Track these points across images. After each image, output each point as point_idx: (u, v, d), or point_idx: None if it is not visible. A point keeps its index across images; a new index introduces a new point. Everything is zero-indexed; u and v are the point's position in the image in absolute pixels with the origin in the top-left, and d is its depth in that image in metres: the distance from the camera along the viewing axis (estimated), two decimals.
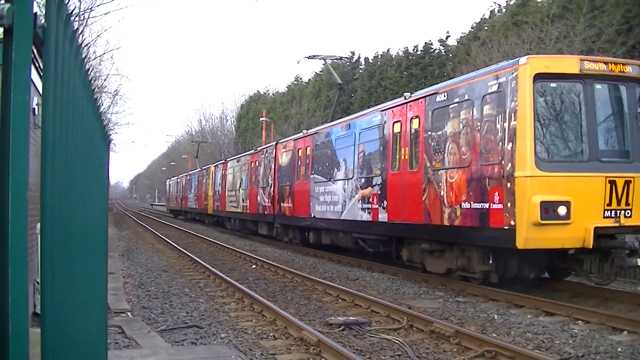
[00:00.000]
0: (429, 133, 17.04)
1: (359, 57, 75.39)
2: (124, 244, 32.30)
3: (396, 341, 10.62)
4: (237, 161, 43.36)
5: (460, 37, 61.26)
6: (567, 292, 15.70)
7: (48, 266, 2.85)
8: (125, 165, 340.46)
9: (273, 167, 32.74)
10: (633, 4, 32.33)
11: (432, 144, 16.86)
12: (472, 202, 14.88)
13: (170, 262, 23.58)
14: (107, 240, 8.01)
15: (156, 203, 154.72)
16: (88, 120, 4.72)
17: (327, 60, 33.15)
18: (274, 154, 32.86)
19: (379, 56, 71.96)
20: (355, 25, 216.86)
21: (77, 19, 23.45)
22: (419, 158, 17.58)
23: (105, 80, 36.02)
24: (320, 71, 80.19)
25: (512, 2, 50.74)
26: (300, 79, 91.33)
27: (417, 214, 17.44)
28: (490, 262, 15.37)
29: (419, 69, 64.03)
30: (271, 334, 11.30)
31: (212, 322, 12.18)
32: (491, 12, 57.27)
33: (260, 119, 68.68)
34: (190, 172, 70.98)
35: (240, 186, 40.62)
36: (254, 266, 22.68)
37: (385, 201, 19.52)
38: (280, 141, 33.43)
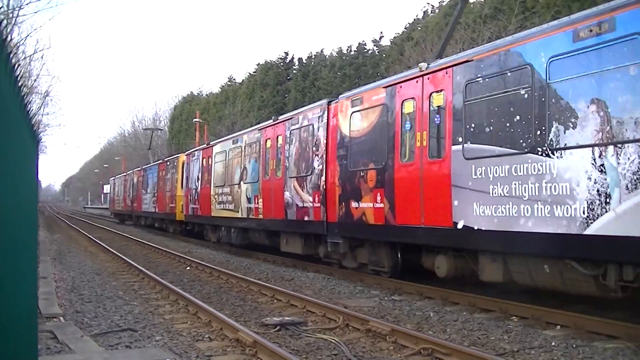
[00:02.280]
0: None
1: (292, 58, 75.47)
2: (56, 247, 31.64)
3: (332, 340, 10.60)
4: (234, 142, 28.86)
5: (394, 37, 61.90)
6: None
7: None
8: (57, 167, 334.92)
9: (325, 142, 19.48)
10: (563, 6, 32.96)
11: None
12: None
13: (103, 265, 23.19)
14: (37, 243, 7.82)
15: (89, 206, 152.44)
16: (14, 119, 4.58)
17: None
18: (324, 120, 19.60)
19: (313, 57, 72.23)
20: (289, 26, 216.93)
21: (4, 16, 22.92)
22: None
23: (35, 80, 35.29)
24: (254, 72, 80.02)
25: (445, 3, 51.34)
26: (234, 79, 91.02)
27: None
28: None
29: (352, 69, 64.50)
30: (207, 336, 11.17)
31: (146, 325, 12.00)
32: (424, 12, 57.97)
33: (194, 120, 68.06)
34: (145, 167, 55.07)
35: (242, 179, 26.72)
36: (188, 268, 22.45)
37: None
38: (345, 95, 19.18)
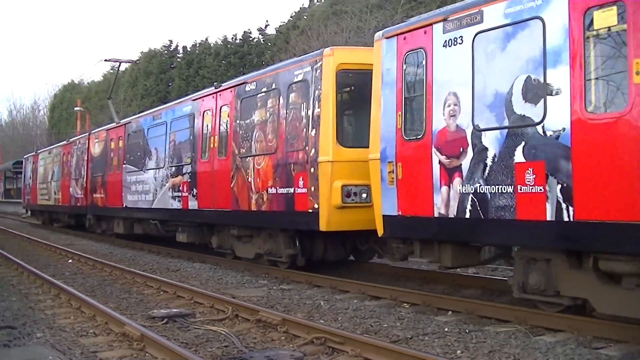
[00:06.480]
0: None
1: (177, 46, 74.48)
2: None
3: (222, 332, 10.40)
4: None
5: (280, 26, 61.93)
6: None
7: None
8: None
9: None
10: None
11: None
12: None
13: None
14: None
15: None
16: None
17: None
18: None
19: (197, 45, 71.46)
20: (173, 14, 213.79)
21: None
22: None
23: None
24: (137, 60, 78.71)
25: None
26: (117, 67, 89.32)
27: None
28: None
29: (237, 57, 64.27)
30: (91, 331, 10.78)
31: (26, 322, 11.46)
32: (310, 1, 58.20)
33: (75, 108, 66.27)
34: (141, 115, 28.02)
35: None
36: (70, 261, 21.78)
37: None
38: None
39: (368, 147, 13.28)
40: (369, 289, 13.67)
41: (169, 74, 72.54)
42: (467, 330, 10.11)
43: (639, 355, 8.45)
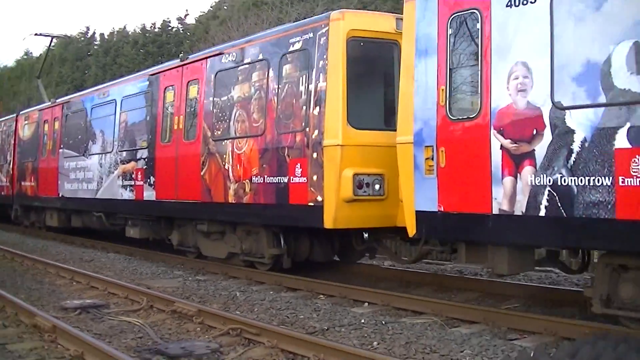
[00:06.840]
0: None
1: (94, 33, 73.29)
2: None
3: (137, 323, 10.24)
4: None
5: (199, 15, 61.67)
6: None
7: None
8: None
9: None
10: None
11: None
12: None
13: None
14: None
15: None
16: None
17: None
18: None
19: (115, 32, 70.45)
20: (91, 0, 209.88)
21: None
22: None
23: None
24: (53, 46, 77.18)
25: None
26: (31, 53, 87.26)
27: None
28: None
29: (155, 46, 63.72)
30: (0, 322, 10.51)
31: None
32: None
33: None
34: (86, 93, 24.42)
35: None
36: None
37: None
38: None
39: (382, 129, 12.04)
40: (285, 281, 13.62)
41: (85, 61, 71.34)
42: (383, 322, 10.15)
43: (552, 346, 8.64)
